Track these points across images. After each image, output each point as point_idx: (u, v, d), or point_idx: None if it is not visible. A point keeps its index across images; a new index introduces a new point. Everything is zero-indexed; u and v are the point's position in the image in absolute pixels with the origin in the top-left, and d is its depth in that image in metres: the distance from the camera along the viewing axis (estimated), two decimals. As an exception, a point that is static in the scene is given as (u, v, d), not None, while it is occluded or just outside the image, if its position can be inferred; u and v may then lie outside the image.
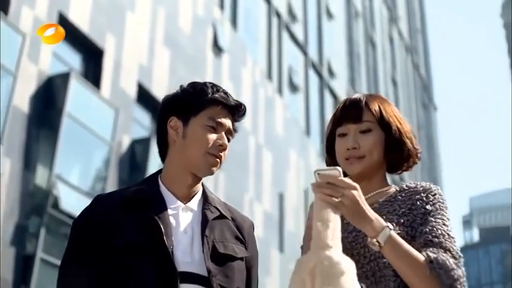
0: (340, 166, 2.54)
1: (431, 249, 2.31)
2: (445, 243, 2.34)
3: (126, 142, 16.30)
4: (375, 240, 2.24)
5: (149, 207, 2.55)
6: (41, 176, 13.70)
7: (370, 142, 2.56)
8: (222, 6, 23.18)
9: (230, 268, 2.57)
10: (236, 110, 2.72)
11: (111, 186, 15.15)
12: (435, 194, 2.50)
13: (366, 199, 2.46)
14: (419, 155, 2.68)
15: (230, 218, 2.72)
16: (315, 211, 2.18)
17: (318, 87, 32.87)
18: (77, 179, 14.54)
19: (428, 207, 2.46)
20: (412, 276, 2.27)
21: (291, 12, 30.35)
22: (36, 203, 13.59)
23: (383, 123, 2.59)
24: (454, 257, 2.31)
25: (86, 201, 14.12)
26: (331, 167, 2.27)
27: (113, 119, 15.34)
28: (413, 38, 64.83)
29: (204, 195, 2.72)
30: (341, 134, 2.62)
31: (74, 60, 15.55)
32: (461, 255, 2.35)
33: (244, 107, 2.74)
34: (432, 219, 2.42)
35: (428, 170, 57.25)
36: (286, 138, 26.18)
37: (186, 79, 16.23)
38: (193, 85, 2.74)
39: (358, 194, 2.23)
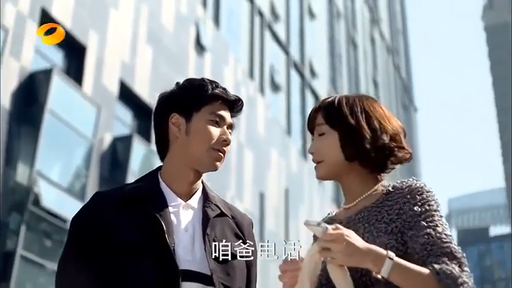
0: None
1: (434, 259, 2.28)
2: (445, 248, 2.30)
3: (107, 139, 16.24)
4: (379, 276, 2.24)
5: (149, 204, 2.52)
6: (21, 173, 13.61)
7: (323, 145, 2.56)
8: (204, 4, 23.15)
9: (231, 266, 2.56)
10: (235, 105, 2.71)
11: (92, 184, 15.09)
12: (422, 193, 2.43)
13: (354, 205, 2.52)
14: (401, 150, 2.56)
15: (230, 216, 2.71)
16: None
17: (299, 86, 32.92)
18: (57, 176, 14.45)
19: (416, 208, 2.39)
20: None
21: (273, 11, 30.38)
22: (16, 200, 13.49)
23: (333, 123, 2.55)
24: (456, 258, 2.28)
25: (67, 199, 14.13)
26: (317, 223, 2.24)
27: (95, 116, 15.26)
28: (394, 39, 65.07)
29: (204, 192, 2.70)
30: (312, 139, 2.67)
31: (56, 56, 15.46)
32: (463, 253, 2.31)
33: (242, 101, 2.74)
34: (424, 223, 2.35)
35: (407, 171, 57.46)
36: (267, 137, 26.18)
37: (168, 77, 16.29)
38: (192, 81, 2.73)
39: (343, 237, 2.20)
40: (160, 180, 2.65)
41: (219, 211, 2.66)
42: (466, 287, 2.22)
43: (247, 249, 2.67)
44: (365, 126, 2.52)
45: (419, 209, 2.39)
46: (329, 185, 35.23)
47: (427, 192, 2.44)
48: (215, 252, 2.52)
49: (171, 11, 20.28)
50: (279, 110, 29.37)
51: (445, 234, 2.34)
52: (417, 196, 2.43)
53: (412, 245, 2.33)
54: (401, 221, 2.39)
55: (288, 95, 30.92)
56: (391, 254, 2.23)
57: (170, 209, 2.56)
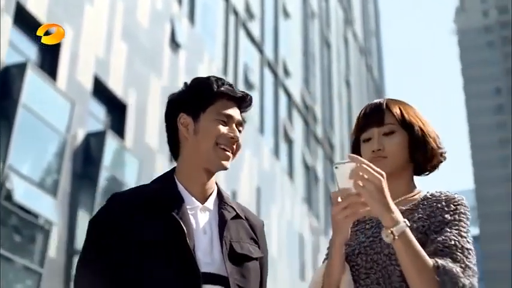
0: None
1: (440, 258, 2.30)
2: (456, 255, 2.32)
3: (81, 135, 16.16)
4: (389, 231, 2.24)
5: (169, 207, 2.52)
6: (-7, 167, 13.52)
7: (394, 144, 2.61)
8: (180, 1, 23.11)
9: (246, 268, 2.57)
10: (243, 101, 2.72)
11: (65, 179, 15.02)
12: (458, 204, 2.49)
13: None
14: (444, 154, 2.70)
15: (244, 218, 2.72)
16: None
17: (272, 85, 32.96)
18: (30, 171, 14.35)
19: (447, 216, 2.45)
20: (416, 277, 2.26)
21: (248, 10, 30.39)
22: (-12, 195, 13.39)
23: (405, 124, 2.63)
24: (463, 268, 2.29)
25: (38, 194, 14.06)
26: (348, 160, 2.27)
27: (69, 112, 15.17)
28: (367, 40, 65.33)
29: (219, 194, 2.72)
30: (366, 139, 2.67)
31: (30, 51, 15.36)
32: (475, 269, 2.32)
33: (250, 97, 2.75)
34: (448, 229, 2.40)
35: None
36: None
37: (142, 74, 16.22)
38: (198, 80, 2.74)
39: (384, 183, 2.25)
40: (177, 182, 2.65)
41: (235, 213, 2.67)
42: None
43: (260, 251, 2.70)
44: (430, 132, 2.65)
45: (450, 217, 2.44)
46: (300, 185, 35.32)
47: (463, 205, 2.50)
48: (231, 255, 2.53)
49: (147, 7, 20.23)
50: (251, 108, 29.37)
51: (463, 246, 2.36)
52: (452, 205, 2.49)
53: (429, 245, 2.36)
54: (429, 223, 2.45)
55: (262, 94, 30.94)
56: (408, 223, 2.27)
57: (189, 211, 2.56)
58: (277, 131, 32.39)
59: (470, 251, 2.36)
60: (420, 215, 2.47)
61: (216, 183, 2.74)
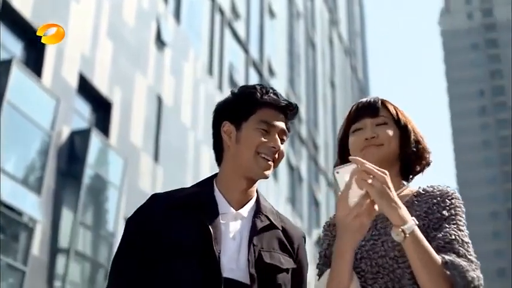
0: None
1: (445, 253, 2.31)
2: (457, 249, 2.34)
3: (65, 132, 16.09)
4: (400, 229, 2.23)
5: (202, 211, 2.55)
6: (-23, 164, 13.45)
7: (388, 132, 2.62)
8: (166, 0, 23.06)
9: (274, 279, 2.55)
10: (288, 110, 2.70)
11: (49, 177, 14.95)
12: (452, 198, 2.50)
13: None
14: (431, 158, 2.73)
15: (281, 228, 2.69)
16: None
17: (257, 85, 32.91)
18: (14, 168, 14.27)
19: (444, 212, 2.46)
20: (427, 274, 2.25)
21: (234, 9, 30.37)
22: (-28, 192, 13.32)
23: (398, 121, 2.67)
24: (469, 262, 2.31)
25: (23, 191, 13.97)
26: (348, 164, 2.28)
27: (54, 109, 15.11)
28: (352, 41, 65.45)
29: (258, 202, 2.71)
30: (356, 129, 2.68)
31: (16, 47, 15.29)
32: (478, 261, 2.36)
33: (296, 106, 2.73)
34: (446, 225, 2.42)
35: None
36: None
37: (128, 72, 16.17)
38: (243, 89, 2.76)
39: (389, 180, 2.26)
40: (215, 187, 2.67)
41: (269, 222, 2.65)
42: (473, 286, 2.26)
43: (293, 263, 2.66)
44: (420, 134, 2.70)
45: (447, 213, 2.46)
46: (284, 185, 35.33)
47: (457, 199, 2.52)
48: (259, 263, 2.52)
49: (133, 5, 20.18)
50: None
51: (462, 240, 2.38)
52: (447, 200, 2.50)
53: (430, 242, 2.35)
54: (428, 221, 2.45)
55: (246, 94, 30.89)
56: (416, 221, 2.27)
57: (221, 217, 2.57)
58: (261, 131, 32.38)
59: (469, 245, 2.38)
60: (418, 213, 2.47)
61: (257, 192, 2.74)
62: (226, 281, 2.44)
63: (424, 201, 2.51)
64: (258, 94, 2.67)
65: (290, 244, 2.68)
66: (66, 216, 15.50)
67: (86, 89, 17.31)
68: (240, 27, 31.06)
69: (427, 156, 2.70)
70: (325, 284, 2.46)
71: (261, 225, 2.61)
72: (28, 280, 14.03)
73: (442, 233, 2.38)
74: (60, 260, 15.35)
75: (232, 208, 2.62)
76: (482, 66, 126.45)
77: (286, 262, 2.61)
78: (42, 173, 14.73)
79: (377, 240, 2.48)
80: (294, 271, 2.65)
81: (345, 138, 2.73)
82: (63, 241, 15.44)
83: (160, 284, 2.48)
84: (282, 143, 2.67)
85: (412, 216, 2.36)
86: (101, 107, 18.12)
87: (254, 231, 2.59)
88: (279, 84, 35.95)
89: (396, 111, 2.69)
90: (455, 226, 2.41)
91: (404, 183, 2.68)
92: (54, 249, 15.14)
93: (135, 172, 18.72)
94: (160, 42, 21.59)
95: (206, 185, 2.69)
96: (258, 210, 2.67)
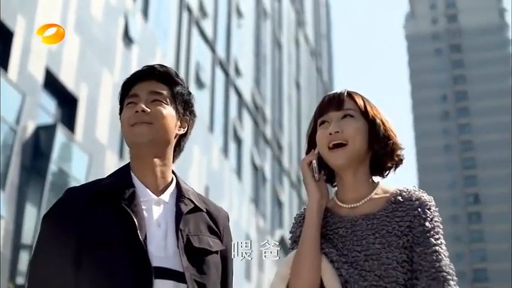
0: (322, 159, 2.59)
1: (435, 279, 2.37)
2: (448, 267, 2.42)
3: (30, 128, 15.92)
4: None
5: (121, 200, 2.47)
6: None
7: (353, 127, 2.56)
8: (134, -4, 22.94)
9: (205, 262, 2.52)
10: (153, 73, 2.76)
11: (13, 172, 14.80)
12: (430, 208, 2.51)
13: (358, 206, 2.54)
14: (403, 154, 2.67)
15: (205, 210, 2.66)
16: None
17: (223, 85, 32.93)
18: (-23, 163, 14.12)
19: (427, 224, 2.46)
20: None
21: (201, 8, 30.32)
22: None
23: (366, 114, 2.60)
24: (452, 280, 2.39)
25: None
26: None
27: (19, 104, 14.96)
28: (318, 43, 65.64)
29: (178, 186, 2.66)
30: (322, 121, 2.62)
31: (-19, 40, 15.13)
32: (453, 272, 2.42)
33: (162, 66, 2.83)
34: (433, 240, 2.44)
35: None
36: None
37: (95, 67, 16.04)
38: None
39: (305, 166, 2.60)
40: (132, 174, 2.61)
41: (193, 205, 2.61)
42: None
43: (222, 243, 2.64)
44: (391, 127, 2.64)
45: (430, 225, 2.46)
46: (248, 185, 35.35)
47: (434, 207, 2.54)
48: (188, 248, 2.48)
49: (101, 0, 20.04)
50: (202, 107, 29.29)
51: (444, 255, 2.44)
52: (427, 210, 2.50)
53: (420, 261, 2.38)
54: (412, 236, 2.44)
55: (212, 93, 30.90)
56: None
57: (142, 204, 2.51)
58: (226, 130, 32.37)
59: (447, 254, 2.45)
60: (402, 228, 2.45)
61: (176, 175, 2.69)
62: (157, 270, 2.38)
63: (405, 213, 2.48)
64: (128, 79, 2.72)
65: (216, 226, 2.66)
66: (30, 212, 15.34)
67: (52, 84, 17.13)
68: (207, 26, 31.01)
69: (400, 152, 2.63)
70: (287, 265, 2.51)
71: (186, 209, 2.57)
72: (-10, 276, 13.88)
73: (430, 251, 2.41)
74: (24, 256, 15.19)
75: (153, 194, 2.57)
76: (445, 71, 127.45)
77: (215, 244, 2.59)
78: (6, 169, 14.56)
79: (359, 252, 2.44)
80: (222, 252, 2.63)
81: (313, 133, 2.68)
82: (27, 237, 15.28)
83: (88, 280, 2.38)
84: (158, 103, 2.63)
85: (396, 230, 2.43)
86: (67, 103, 17.96)
87: (179, 216, 2.53)
88: (245, 84, 35.98)
89: (364, 103, 2.61)
90: (439, 241, 2.44)
91: (376, 180, 2.63)
92: (17, 244, 14.98)
93: (100, 169, 18.58)
94: (128, 39, 21.46)
95: (123, 174, 2.63)
96: (180, 194, 2.62)
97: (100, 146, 18.91)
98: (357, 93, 2.66)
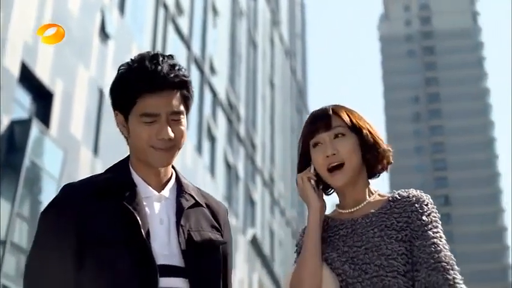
0: (321, 179, 2.66)
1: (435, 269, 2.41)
2: (447, 258, 2.45)
3: (5, 122, 15.78)
4: None
5: (123, 196, 2.41)
6: None
7: (347, 146, 2.61)
8: (111, -8, 22.81)
9: (207, 258, 2.49)
10: (172, 87, 2.60)
11: (-13, 166, 14.67)
12: (427, 204, 2.58)
13: (358, 209, 2.61)
14: (391, 156, 2.74)
15: (205, 205, 2.62)
16: None
17: (198, 82, 32.86)
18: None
19: (424, 218, 2.53)
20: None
21: (178, 4, 30.25)
22: None
23: (354, 127, 2.65)
24: (452, 269, 2.42)
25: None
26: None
27: (-6, 97, 14.83)
28: (293, 42, 65.80)
29: (178, 181, 2.62)
30: (315, 143, 2.66)
31: (-43, 32, 14.96)
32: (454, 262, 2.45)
33: (184, 75, 2.71)
34: (431, 233, 2.49)
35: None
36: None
37: (71, 62, 15.92)
38: (122, 70, 2.67)
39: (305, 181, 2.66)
40: (132, 170, 2.55)
41: (193, 201, 2.57)
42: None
43: (222, 238, 2.61)
44: (378, 134, 2.71)
45: (427, 219, 2.52)
46: (221, 183, 35.33)
47: (431, 203, 2.61)
48: (190, 244, 2.44)
49: (78, -5, 19.91)
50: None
51: (444, 247, 2.48)
52: (424, 206, 2.57)
53: (419, 254, 2.44)
54: (410, 230, 2.50)
55: (187, 90, 30.81)
56: None
57: (143, 201, 2.45)
58: (200, 128, 32.32)
59: (447, 248, 2.49)
60: (400, 223, 2.52)
61: (175, 170, 2.65)
62: (161, 268, 2.34)
63: (403, 209, 2.56)
64: (133, 81, 2.53)
65: (216, 220, 2.63)
66: (3, 207, 15.19)
67: (27, 78, 16.99)
68: (183, 23, 30.94)
69: (389, 155, 2.72)
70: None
71: (187, 205, 2.53)
72: (-38, 271, 13.74)
73: (429, 243, 2.47)
74: (-4, 252, 15.06)
75: (154, 190, 2.52)
76: (418, 73, 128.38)
77: (217, 240, 2.56)
78: (-19, 163, 14.44)
79: (360, 247, 2.50)
80: (223, 247, 2.61)
81: (304, 152, 2.72)
82: (0, 232, 15.15)
83: (90, 279, 2.32)
84: (178, 122, 2.52)
85: (395, 225, 2.50)
86: (42, 98, 17.81)
87: (180, 212, 2.49)
88: (220, 82, 35.96)
89: (350, 118, 2.66)
90: (437, 233, 2.51)
91: (373, 190, 2.71)
92: (-10, 240, 14.85)
93: (75, 164, 18.46)
94: (104, 35, 21.34)
95: (122, 169, 2.56)
96: (180, 189, 2.58)
97: (75, 142, 18.79)
98: (340, 108, 2.71)
